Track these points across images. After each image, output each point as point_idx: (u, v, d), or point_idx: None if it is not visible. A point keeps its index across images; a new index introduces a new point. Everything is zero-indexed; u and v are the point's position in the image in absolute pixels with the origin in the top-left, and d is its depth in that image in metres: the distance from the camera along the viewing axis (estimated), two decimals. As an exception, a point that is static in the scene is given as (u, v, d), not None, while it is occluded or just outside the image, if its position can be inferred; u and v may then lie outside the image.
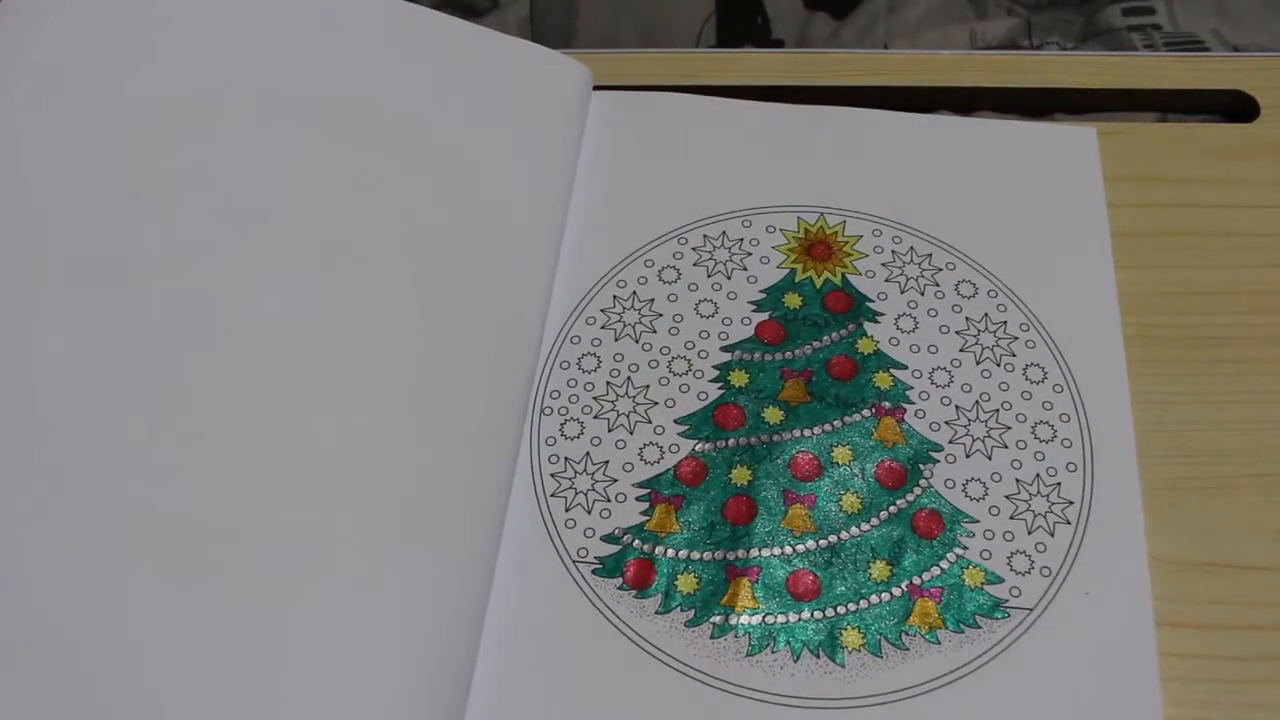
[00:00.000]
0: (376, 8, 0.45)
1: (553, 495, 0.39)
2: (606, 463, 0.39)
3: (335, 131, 0.42)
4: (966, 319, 0.42)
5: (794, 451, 0.39)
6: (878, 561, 0.37)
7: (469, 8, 0.53)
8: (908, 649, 0.36)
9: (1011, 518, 0.38)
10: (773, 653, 0.36)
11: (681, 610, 0.36)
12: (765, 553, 0.37)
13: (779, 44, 0.52)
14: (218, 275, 0.39)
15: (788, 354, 0.41)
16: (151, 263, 0.39)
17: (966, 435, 0.39)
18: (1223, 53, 0.49)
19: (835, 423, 0.40)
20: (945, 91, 0.48)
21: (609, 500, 0.39)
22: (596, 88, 0.47)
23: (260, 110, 0.42)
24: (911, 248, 0.43)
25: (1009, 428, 0.39)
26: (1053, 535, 0.37)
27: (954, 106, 0.48)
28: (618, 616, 0.36)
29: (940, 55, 0.49)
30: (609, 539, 0.38)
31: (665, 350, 0.41)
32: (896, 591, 0.37)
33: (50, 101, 0.40)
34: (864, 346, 0.41)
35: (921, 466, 0.39)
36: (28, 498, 0.35)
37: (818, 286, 0.43)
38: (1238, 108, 0.47)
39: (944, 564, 0.37)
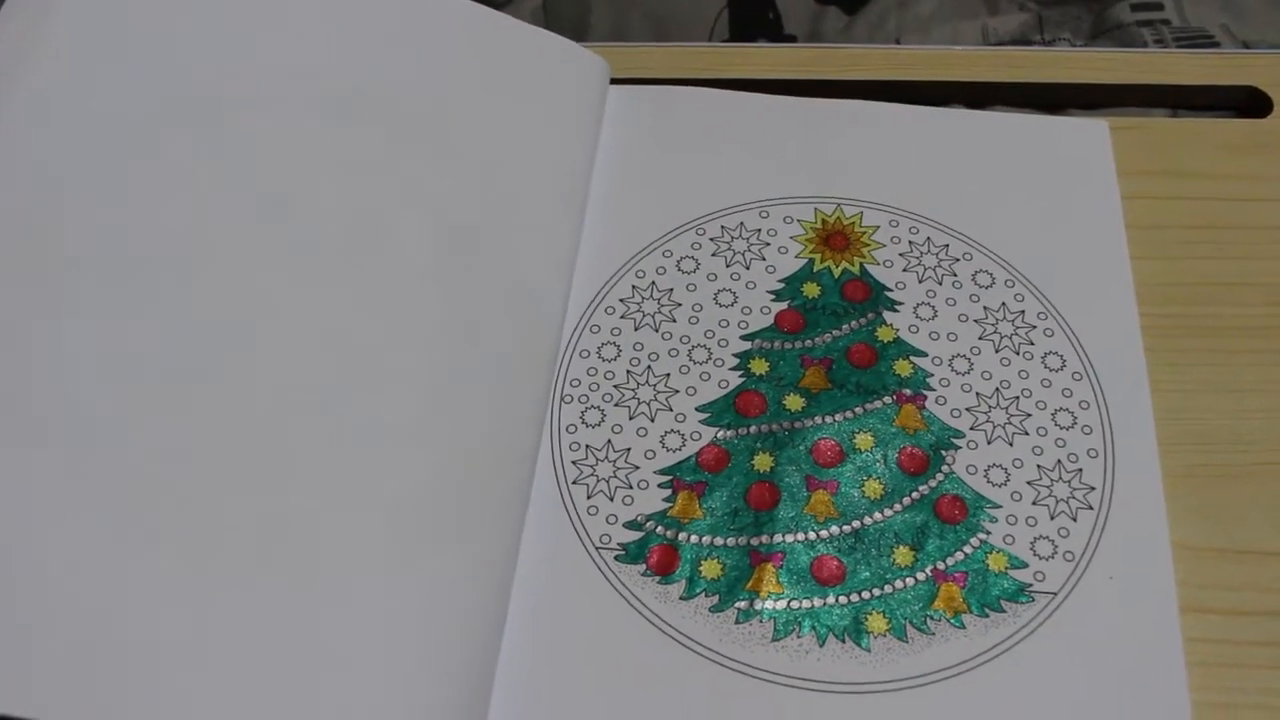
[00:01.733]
0: None
1: (574, 482, 0.39)
2: (628, 450, 0.39)
3: (357, 119, 0.42)
4: (984, 308, 0.42)
5: (816, 438, 0.39)
6: (901, 547, 0.37)
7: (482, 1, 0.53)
8: (933, 634, 0.36)
9: (1034, 503, 0.38)
10: (798, 638, 0.36)
11: (706, 596, 0.36)
12: (789, 538, 0.37)
13: (791, 39, 0.52)
14: (241, 265, 0.39)
15: (807, 342, 0.41)
16: (175, 253, 0.38)
17: (987, 422, 0.39)
18: (1233, 48, 0.50)
19: (856, 409, 0.40)
20: (957, 87, 0.48)
21: (631, 487, 0.38)
22: (611, 81, 0.47)
23: (282, 97, 0.42)
24: (928, 238, 0.43)
25: (1029, 414, 0.39)
26: (1075, 520, 0.37)
27: (966, 102, 0.49)
28: (642, 602, 0.36)
29: (952, 50, 0.50)
30: (631, 525, 0.38)
31: (685, 339, 0.41)
32: (921, 576, 0.37)
33: (69, 92, 0.40)
34: (883, 334, 0.41)
35: (943, 453, 0.39)
36: (51, 489, 0.34)
37: (836, 276, 0.43)
38: (1251, 104, 0.48)
39: (968, 549, 0.37)
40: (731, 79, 0.48)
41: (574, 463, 0.39)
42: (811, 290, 0.42)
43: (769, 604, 0.36)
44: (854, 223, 0.44)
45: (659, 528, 0.38)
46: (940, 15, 0.52)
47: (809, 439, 0.39)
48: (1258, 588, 0.36)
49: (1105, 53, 0.49)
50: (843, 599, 0.36)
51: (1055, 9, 0.52)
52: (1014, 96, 0.49)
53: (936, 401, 0.40)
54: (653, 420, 0.40)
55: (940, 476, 0.38)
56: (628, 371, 0.41)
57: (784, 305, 0.42)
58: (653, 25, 0.53)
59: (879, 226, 0.44)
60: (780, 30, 0.53)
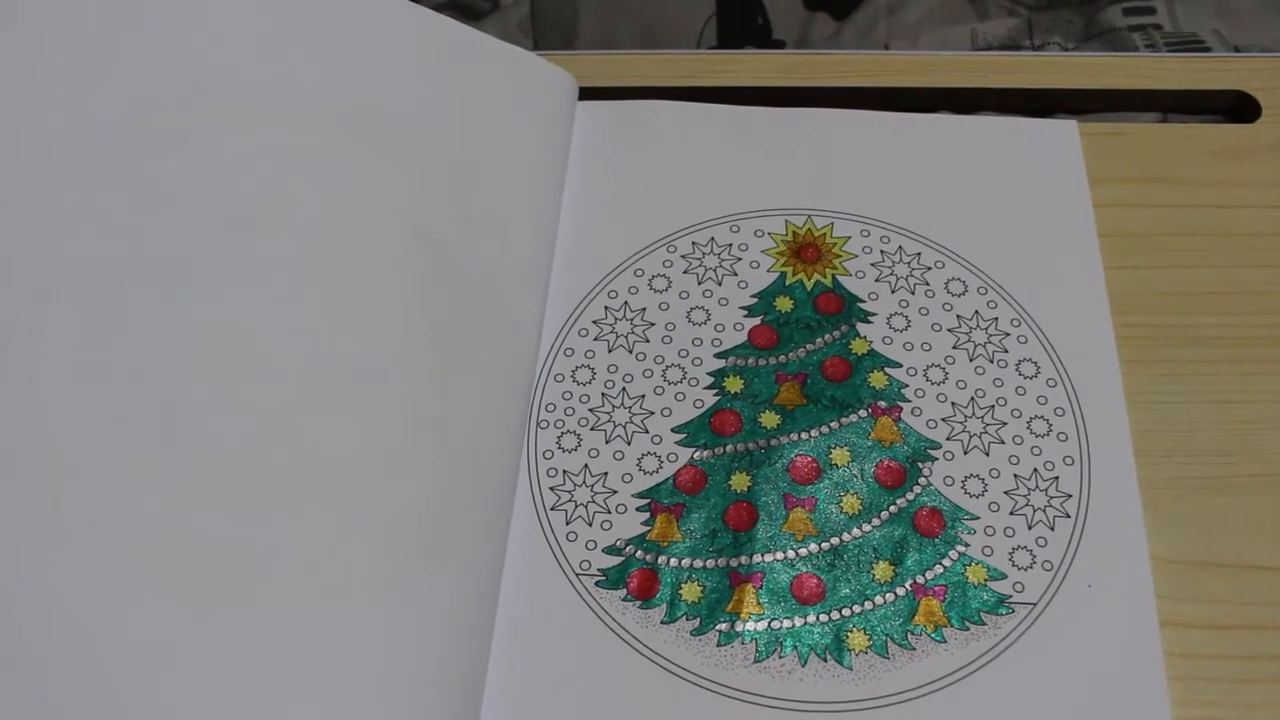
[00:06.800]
0: (367, 5, 0.44)
1: (553, 509, 0.39)
2: (605, 474, 0.39)
3: (328, 133, 0.41)
4: (958, 316, 0.42)
5: (792, 455, 0.39)
6: (881, 562, 0.37)
7: (469, 9, 0.53)
8: (914, 649, 0.36)
9: (1011, 513, 0.38)
10: (780, 658, 0.36)
11: (687, 619, 0.36)
12: (768, 558, 0.37)
13: (779, 45, 0.52)
14: (219, 287, 0.38)
15: (781, 358, 0.41)
16: (151, 271, 0.38)
17: (963, 432, 0.39)
18: (1224, 53, 0.49)
19: (832, 424, 0.40)
20: (946, 92, 0.48)
21: (609, 512, 0.38)
22: (585, 95, 0.47)
23: (252, 112, 0.41)
24: (900, 247, 0.43)
25: (1005, 423, 0.39)
26: (1053, 529, 0.37)
27: (955, 107, 0.48)
28: (623, 628, 0.36)
29: (941, 56, 0.49)
30: (611, 551, 0.38)
31: (659, 359, 0.41)
32: (900, 591, 0.37)
33: (34, 112, 0.39)
34: (857, 347, 0.41)
35: (920, 465, 0.39)
36: (32, 516, 0.34)
37: (809, 289, 0.43)
38: (1239, 108, 0.47)
39: (946, 562, 0.37)
40: (719, 86, 0.48)
41: (552, 489, 0.39)
42: (784, 304, 0.42)
43: (750, 625, 0.36)
44: (825, 234, 0.44)
45: (638, 552, 0.38)
46: (929, 21, 0.52)
47: (785, 456, 0.39)
48: (1237, 602, 0.36)
49: (1092, 57, 0.49)
50: (823, 617, 0.36)
51: (1045, 13, 0.51)
52: (1003, 102, 0.48)
53: (912, 413, 0.40)
54: (629, 443, 0.40)
55: (918, 489, 0.38)
56: (603, 394, 0.41)
57: (757, 321, 0.42)
58: (641, 32, 0.52)
59: (850, 237, 0.44)
60: (769, 36, 0.52)
